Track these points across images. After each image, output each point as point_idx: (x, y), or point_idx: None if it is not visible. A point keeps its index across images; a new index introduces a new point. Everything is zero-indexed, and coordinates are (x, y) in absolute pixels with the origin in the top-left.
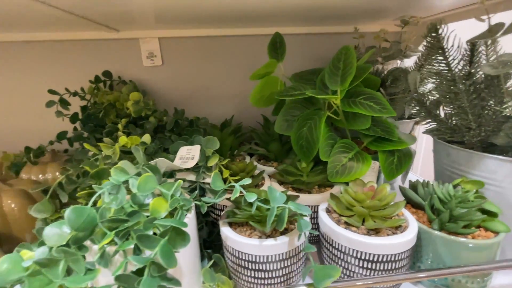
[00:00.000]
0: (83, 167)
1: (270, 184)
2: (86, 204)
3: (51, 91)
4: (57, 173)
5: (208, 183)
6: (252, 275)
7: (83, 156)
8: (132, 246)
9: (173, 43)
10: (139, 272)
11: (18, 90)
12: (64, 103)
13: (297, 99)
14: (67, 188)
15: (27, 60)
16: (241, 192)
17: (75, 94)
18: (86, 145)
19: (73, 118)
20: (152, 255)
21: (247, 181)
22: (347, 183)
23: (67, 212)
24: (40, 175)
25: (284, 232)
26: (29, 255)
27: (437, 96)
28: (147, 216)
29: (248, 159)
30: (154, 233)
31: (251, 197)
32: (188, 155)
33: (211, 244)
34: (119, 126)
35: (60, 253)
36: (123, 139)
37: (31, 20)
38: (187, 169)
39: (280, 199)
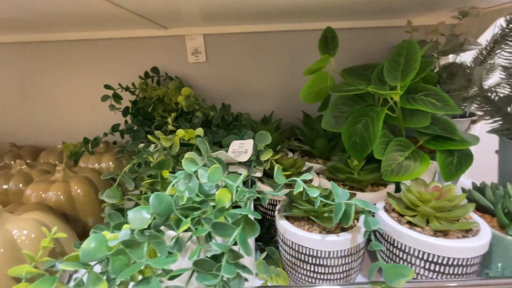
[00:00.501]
0: (146, 158)
1: (319, 181)
2: (145, 192)
3: (107, 86)
4: (110, 163)
5: (258, 177)
6: (312, 269)
7: (134, 147)
8: (205, 233)
9: (217, 40)
10: (214, 259)
11: (75, 85)
12: (117, 97)
13: (347, 95)
14: (130, 176)
15: (84, 57)
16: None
17: (127, 89)
18: (150, 137)
19: (125, 111)
20: (230, 242)
21: (308, 176)
22: (401, 183)
23: (152, 198)
24: (96, 164)
25: (344, 229)
26: (112, 236)
27: (508, 92)
28: (213, 206)
29: (290, 155)
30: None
31: (314, 192)
32: (240, 149)
33: (260, 237)
34: (169, 120)
35: (142, 235)
36: (180, 132)
37: (91, 20)
38: (239, 163)
39: (343, 195)
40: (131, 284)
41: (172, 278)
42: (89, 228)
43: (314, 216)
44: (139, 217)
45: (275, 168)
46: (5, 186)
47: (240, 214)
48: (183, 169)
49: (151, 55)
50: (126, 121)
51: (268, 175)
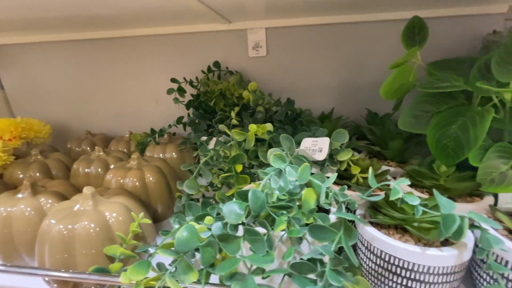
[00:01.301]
0: (221, 151)
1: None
2: (216, 185)
3: (174, 80)
4: (174, 153)
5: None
6: (404, 283)
7: (197, 139)
8: (301, 235)
9: (278, 33)
10: (311, 262)
11: (141, 78)
12: (181, 90)
13: (432, 92)
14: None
15: (149, 51)
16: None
17: (190, 83)
18: (234, 131)
19: (188, 104)
20: (334, 247)
21: (405, 181)
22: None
23: (250, 194)
24: (161, 154)
25: (444, 242)
26: (200, 228)
27: None
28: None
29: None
30: (306, 223)
31: (413, 200)
32: (314, 147)
33: None
34: (232, 114)
35: (234, 230)
36: (252, 127)
37: (163, 15)
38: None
39: (449, 206)
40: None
41: (266, 277)
42: (158, 215)
43: (410, 226)
44: (234, 212)
45: (369, 171)
46: (87, 170)
47: (338, 218)
48: (255, 164)
49: (212, 49)
50: (188, 114)
51: (340, 176)
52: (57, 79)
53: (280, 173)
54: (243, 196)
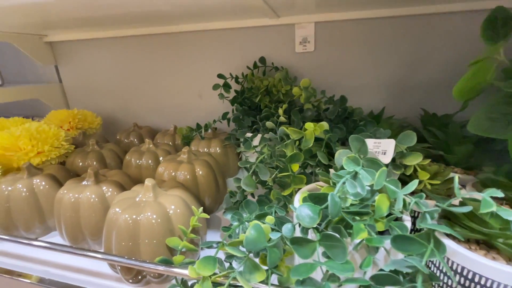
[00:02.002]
0: (275, 149)
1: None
2: (268, 184)
3: (220, 76)
4: (218, 148)
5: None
6: None
7: (241, 136)
8: (381, 244)
9: (328, 28)
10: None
11: (185, 73)
12: (227, 86)
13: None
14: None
15: (194, 47)
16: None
17: (236, 78)
18: (291, 130)
19: (233, 100)
20: (424, 261)
21: (497, 193)
22: None
23: (330, 198)
24: (205, 149)
25: None
26: (267, 227)
27: None
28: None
29: None
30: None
31: (510, 215)
32: (376, 148)
33: None
34: (279, 111)
35: (304, 233)
36: (309, 126)
37: (215, 10)
38: None
39: None
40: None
41: (340, 285)
42: (205, 208)
43: (497, 241)
44: (308, 215)
45: (455, 179)
46: (138, 161)
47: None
48: (312, 164)
49: (258, 45)
50: (233, 110)
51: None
52: (107, 73)
53: (355, 176)
54: (314, 199)
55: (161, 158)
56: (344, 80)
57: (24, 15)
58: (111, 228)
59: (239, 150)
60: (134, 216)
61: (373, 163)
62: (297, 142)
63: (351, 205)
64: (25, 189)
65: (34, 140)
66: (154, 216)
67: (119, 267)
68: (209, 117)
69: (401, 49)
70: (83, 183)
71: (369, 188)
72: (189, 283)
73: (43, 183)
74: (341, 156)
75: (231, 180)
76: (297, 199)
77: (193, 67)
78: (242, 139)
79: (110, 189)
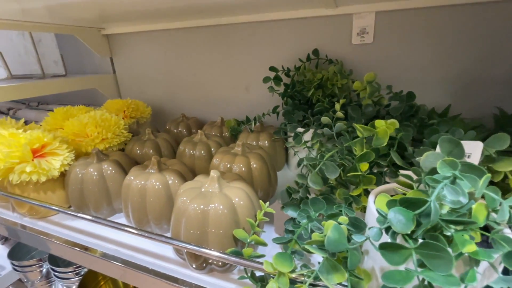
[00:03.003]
0: (343, 146)
1: None
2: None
3: (272, 68)
4: (266, 142)
5: None
6: None
7: (292, 130)
8: (491, 259)
9: (389, 17)
10: None
11: (232, 65)
12: (278, 79)
13: None
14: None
15: (242, 39)
16: None
17: (288, 71)
18: (361, 127)
19: (284, 94)
20: None
21: None
22: None
23: (432, 205)
24: (254, 142)
25: None
26: (345, 228)
27: None
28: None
29: None
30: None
31: None
32: None
33: None
34: (336, 106)
35: (393, 239)
36: (380, 123)
37: (269, 0)
38: None
39: None
40: None
41: None
42: None
43: None
44: (401, 221)
45: None
46: (192, 152)
47: None
48: (384, 164)
49: (311, 36)
50: (282, 104)
51: None
52: (157, 64)
53: (453, 182)
54: (405, 204)
55: (212, 150)
56: (404, 74)
57: (85, 10)
58: (180, 216)
59: (289, 144)
60: (202, 206)
61: (472, 168)
62: (365, 140)
63: (450, 213)
64: (96, 173)
65: (99, 128)
66: (221, 207)
67: (186, 253)
68: (254, 110)
69: (472, 39)
70: (148, 170)
71: (476, 195)
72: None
73: (110, 168)
74: (430, 158)
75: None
76: (371, 201)
77: (241, 59)
78: (292, 134)
79: (172, 178)
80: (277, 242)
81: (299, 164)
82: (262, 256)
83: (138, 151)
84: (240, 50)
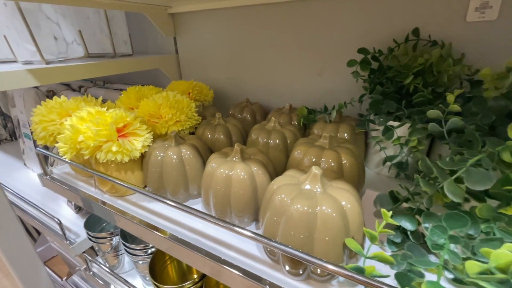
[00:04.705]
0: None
1: None
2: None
3: (362, 50)
4: (345, 134)
5: None
6: None
7: (383, 123)
8: None
9: None
10: None
11: (305, 46)
12: (366, 63)
13: None
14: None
15: (322, 16)
16: None
17: (380, 54)
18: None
19: (373, 80)
20: None
21: None
22: None
23: None
24: (332, 134)
25: None
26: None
27: None
28: None
29: None
30: None
31: None
32: None
33: None
34: (449, 97)
35: None
36: None
37: None
38: None
39: None
40: None
41: None
42: None
43: None
44: None
45: None
46: (265, 140)
47: None
48: None
49: (409, 13)
50: (370, 91)
51: None
52: (220, 46)
53: None
54: None
55: (289, 141)
56: None
57: None
58: (278, 214)
59: (375, 139)
60: (306, 208)
61: None
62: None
63: None
64: (175, 157)
65: (173, 109)
66: (329, 211)
67: (282, 256)
68: (327, 98)
69: None
70: (231, 158)
71: None
72: None
73: (188, 152)
74: None
75: None
76: None
77: (315, 41)
78: (380, 127)
79: (256, 168)
80: (422, 267)
81: (384, 162)
82: (385, 276)
83: (209, 136)
84: (316, 30)
